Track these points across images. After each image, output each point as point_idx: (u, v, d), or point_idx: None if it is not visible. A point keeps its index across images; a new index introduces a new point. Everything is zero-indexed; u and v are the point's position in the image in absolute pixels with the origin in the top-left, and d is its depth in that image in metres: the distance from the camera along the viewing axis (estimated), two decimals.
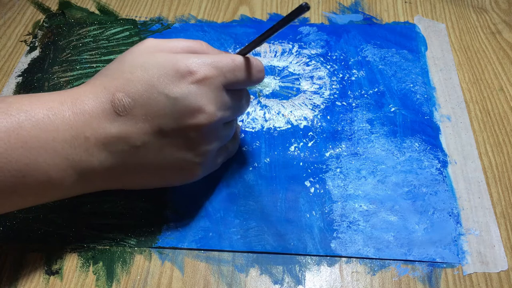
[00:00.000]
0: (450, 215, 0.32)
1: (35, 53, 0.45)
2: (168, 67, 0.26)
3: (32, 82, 0.43)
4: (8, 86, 0.42)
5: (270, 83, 0.41)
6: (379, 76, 0.41)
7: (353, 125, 0.37)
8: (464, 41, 0.44)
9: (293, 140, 0.36)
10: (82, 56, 0.44)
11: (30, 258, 0.31)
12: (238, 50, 0.29)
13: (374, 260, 0.30)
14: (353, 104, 0.39)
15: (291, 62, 0.43)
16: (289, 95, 0.40)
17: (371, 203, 0.32)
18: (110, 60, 0.44)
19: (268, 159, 0.35)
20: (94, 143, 0.26)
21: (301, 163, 0.35)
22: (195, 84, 0.26)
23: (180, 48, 0.28)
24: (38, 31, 0.48)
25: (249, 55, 0.29)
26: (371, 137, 0.36)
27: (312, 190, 0.33)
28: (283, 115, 0.38)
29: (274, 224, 0.32)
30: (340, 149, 0.36)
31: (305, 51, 0.43)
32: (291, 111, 0.39)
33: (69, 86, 0.42)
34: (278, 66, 0.42)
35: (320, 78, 0.41)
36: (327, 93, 0.40)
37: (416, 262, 0.30)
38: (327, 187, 0.33)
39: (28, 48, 0.46)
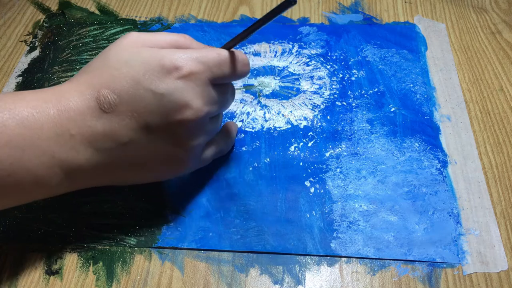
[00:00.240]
0: (450, 215, 0.32)
1: (35, 53, 0.45)
2: (154, 63, 0.25)
3: (32, 82, 0.43)
4: (8, 86, 0.42)
5: (270, 83, 0.41)
6: (379, 76, 0.41)
7: (353, 125, 0.37)
8: (464, 41, 0.44)
9: (293, 140, 0.36)
10: (82, 56, 0.44)
11: (30, 258, 0.31)
12: (223, 44, 0.29)
13: (374, 260, 0.30)
14: (353, 104, 0.39)
15: (291, 62, 0.43)
16: (289, 95, 0.40)
17: (371, 203, 0.32)
18: None
19: (268, 159, 0.35)
20: (80, 140, 0.26)
21: (301, 163, 0.35)
22: (181, 80, 0.26)
23: (164, 42, 0.28)
24: (38, 31, 0.48)
25: (234, 49, 0.29)
26: (371, 137, 0.36)
27: (312, 190, 0.33)
28: (283, 115, 0.38)
29: (274, 224, 0.32)
30: (340, 149, 0.36)
31: (305, 51, 0.43)
32: (291, 111, 0.39)
33: None
34: (278, 66, 0.42)
35: (320, 78, 0.41)
36: (327, 93, 0.40)
37: (416, 262, 0.30)
38: (327, 187, 0.33)
39: (28, 48, 0.46)
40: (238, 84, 0.41)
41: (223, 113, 0.39)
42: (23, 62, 0.45)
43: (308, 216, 0.32)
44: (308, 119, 0.38)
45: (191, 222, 0.32)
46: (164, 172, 0.30)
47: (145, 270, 0.30)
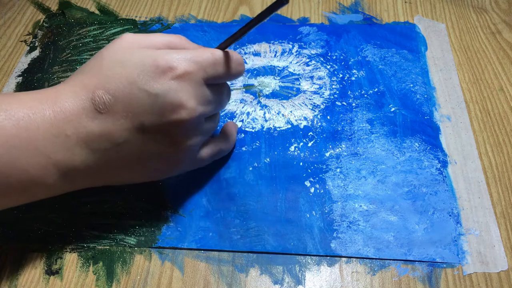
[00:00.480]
0: (450, 215, 0.32)
1: (35, 53, 0.45)
2: (148, 63, 0.26)
3: (32, 82, 0.43)
4: (8, 86, 0.42)
5: (270, 83, 0.41)
6: (379, 76, 0.41)
7: (353, 125, 0.37)
8: (464, 41, 0.44)
9: (293, 140, 0.36)
10: (82, 56, 0.44)
11: (30, 258, 0.31)
12: (218, 44, 0.29)
13: (374, 260, 0.30)
14: (353, 104, 0.39)
15: (291, 62, 0.43)
16: (289, 95, 0.40)
17: (371, 203, 0.32)
18: None
19: (268, 159, 0.35)
20: (76, 141, 0.26)
21: (301, 163, 0.35)
22: (175, 80, 0.26)
23: (159, 43, 0.28)
24: (38, 31, 0.48)
25: (229, 49, 0.29)
26: (371, 137, 0.36)
27: (312, 190, 0.33)
28: (283, 115, 0.38)
29: (274, 224, 0.32)
30: (340, 149, 0.36)
31: (305, 51, 0.43)
32: (291, 111, 0.39)
33: None
34: (278, 66, 0.42)
35: (320, 78, 0.41)
36: (327, 93, 0.40)
37: (416, 262, 0.30)
38: (327, 187, 0.33)
39: (28, 48, 0.46)
40: (238, 84, 0.41)
41: (224, 113, 0.39)
42: (23, 62, 0.45)
43: (308, 216, 0.32)
44: (308, 119, 0.38)
45: (191, 222, 0.32)
46: (159, 172, 0.30)
47: (145, 270, 0.30)
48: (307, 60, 0.43)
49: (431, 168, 0.34)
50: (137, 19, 0.48)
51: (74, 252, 0.31)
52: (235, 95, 0.40)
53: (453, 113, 0.38)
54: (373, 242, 0.31)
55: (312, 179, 0.34)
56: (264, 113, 0.39)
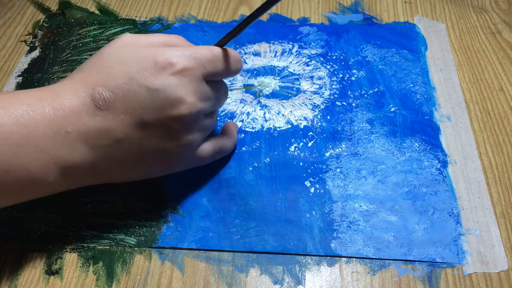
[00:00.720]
0: (450, 215, 0.32)
1: (35, 53, 0.45)
2: (148, 60, 0.26)
3: (32, 82, 0.43)
4: (8, 86, 0.42)
5: (270, 83, 0.41)
6: (379, 76, 0.41)
7: (353, 125, 0.37)
8: (464, 41, 0.44)
9: (293, 140, 0.36)
10: (82, 56, 0.44)
11: (30, 258, 0.31)
12: (217, 41, 0.30)
13: (374, 260, 0.30)
14: (353, 104, 0.39)
15: (291, 62, 0.43)
16: (289, 95, 0.40)
17: (371, 203, 0.32)
18: None
19: (268, 159, 0.35)
20: (76, 137, 0.26)
21: (301, 163, 0.35)
22: (175, 76, 0.26)
23: (157, 42, 0.28)
24: (38, 31, 0.48)
25: (226, 47, 0.29)
26: (371, 137, 0.36)
27: (312, 190, 0.33)
28: (283, 115, 0.38)
29: (274, 224, 0.32)
30: (340, 149, 0.36)
31: (305, 51, 0.43)
32: (291, 111, 0.39)
33: None
34: (278, 66, 0.42)
35: (320, 78, 0.41)
36: (327, 93, 0.40)
37: (416, 262, 0.30)
38: (327, 187, 0.33)
39: (28, 48, 0.46)
40: (238, 84, 0.41)
41: (224, 113, 0.39)
42: (23, 62, 0.45)
43: (308, 216, 0.32)
44: (308, 119, 0.38)
45: (191, 222, 0.32)
46: (159, 168, 0.30)
47: (145, 270, 0.30)
48: (307, 60, 0.43)
49: (431, 168, 0.34)
50: (137, 19, 0.48)
51: (74, 252, 0.31)
52: (235, 95, 0.40)
53: (453, 113, 0.38)
54: (373, 242, 0.31)
55: (312, 179, 0.34)
56: (264, 113, 0.39)
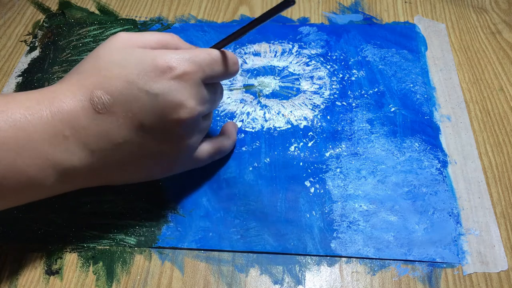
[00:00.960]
0: (450, 215, 0.32)
1: (35, 53, 0.45)
2: (147, 63, 0.26)
3: (32, 82, 0.43)
4: (8, 86, 0.42)
5: (270, 83, 0.41)
6: (379, 76, 0.41)
7: (353, 125, 0.37)
8: (464, 41, 0.44)
9: (293, 140, 0.36)
10: (82, 56, 0.44)
11: (30, 258, 0.31)
12: (214, 44, 0.30)
13: (374, 260, 0.30)
14: (353, 104, 0.39)
15: (291, 62, 0.43)
16: (289, 95, 0.40)
17: (371, 203, 0.32)
18: None
19: (268, 159, 0.35)
20: (74, 141, 0.26)
21: (301, 163, 0.35)
22: (175, 80, 0.26)
23: (153, 41, 0.28)
24: (38, 31, 0.48)
25: (224, 49, 0.29)
26: (371, 137, 0.36)
27: (312, 190, 0.33)
28: (283, 115, 0.38)
29: (274, 224, 0.32)
30: (340, 149, 0.36)
31: (305, 51, 0.43)
32: (291, 111, 0.39)
33: None
34: (278, 66, 0.42)
35: (320, 78, 0.41)
36: (327, 93, 0.40)
37: (416, 262, 0.30)
38: (327, 187, 0.33)
39: (28, 48, 0.46)
40: (238, 84, 0.41)
41: (224, 113, 0.39)
42: (23, 62, 0.45)
43: (308, 216, 0.32)
44: (308, 119, 0.38)
45: (191, 222, 0.32)
46: (158, 171, 0.31)
47: (145, 270, 0.30)
48: (307, 60, 0.43)
49: (431, 168, 0.34)
50: (137, 19, 0.48)
51: (74, 252, 0.31)
52: (235, 95, 0.40)
53: (453, 113, 0.38)
54: (373, 242, 0.31)
55: (312, 179, 0.34)
56: (264, 113, 0.39)
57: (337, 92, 0.40)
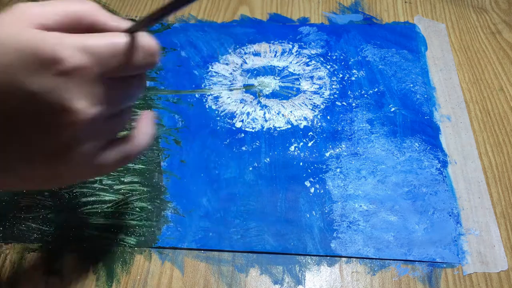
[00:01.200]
0: (450, 215, 0.32)
1: None
2: (29, 52, 0.19)
3: None
4: None
5: (270, 83, 0.41)
6: (379, 76, 0.41)
7: (353, 125, 0.37)
8: (464, 41, 0.44)
9: (293, 140, 0.36)
10: None
11: (30, 258, 0.31)
12: (130, 25, 0.24)
13: (374, 260, 0.30)
14: (353, 104, 0.39)
15: (291, 62, 0.43)
16: (289, 95, 0.40)
17: (371, 203, 0.32)
18: None
19: (268, 159, 0.35)
20: None
21: (301, 163, 0.35)
22: (61, 76, 0.20)
23: (58, 16, 0.22)
24: None
25: (141, 33, 0.22)
26: (371, 137, 0.36)
27: (312, 190, 0.33)
28: (283, 115, 0.38)
29: (274, 224, 0.32)
30: (340, 149, 0.36)
31: (305, 51, 0.43)
32: (291, 111, 0.39)
33: None
34: (278, 66, 0.42)
35: (320, 78, 0.41)
36: (327, 93, 0.40)
37: (416, 262, 0.30)
38: (327, 187, 0.33)
39: None
40: (238, 84, 0.41)
41: (224, 113, 0.39)
42: None
43: (308, 216, 0.32)
44: (308, 119, 0.38)
45: (191, 222, 0.32)
46: (45, 182, 0.24)
47: (145, 270, 0.30)
48: (307, 60, 0.43)
49: (431, 168, 0.34)
50: (137, 19, 0.48)
51: (74, 252, 0.31)
52: (235, 95, 0.40)
53: (453, 113, 0.38)
54: (373, 242, 0.31)
55: (312, 179, 0.34)
56: (264, 113, 0.39)
57: (337, 92, 0.40)
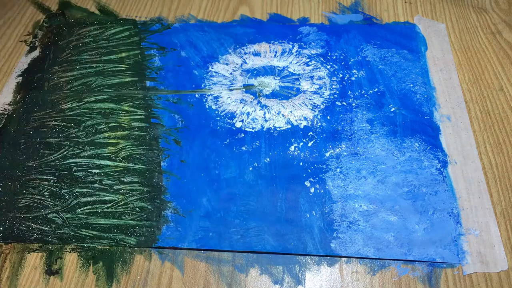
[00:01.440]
0: (450, 215, 0.32)
1: (35, 53, 0.45)
2: None
3: (32, 82, 0.43)
4: (8, 86, 0.42)
5: (270, 83, 0.41)
6: (379, 76, 0.41)
7: (353, 125, 0.37)
8: (464, 41, 0.44)
9: (293, 140, 0.36)
10: (82, 56, 0.44)
11: (30, 258, 0.31)
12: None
13: (374, 260, 0.30)
14: (353, 104, 0.39)
15: (291, 62, 0.43)
16: (289, 95, 0.40)
17: (371, 203, 0.32)
18: (110, 60, 0.44)
19: (268, 159, 0.35)
20: None
21: (301, 163, 0.35)
22: None
23: None
24: (38, 31, 0.48)
25: None
26: (371, 137, 0.36)
27: (312, 190, 0.33)
28: (283, 115, 0.38)
29: (274, 224, 0.32)
30: (340, 149, 0.36)
31: (305, 51, 0.43)
32: (291, 111, 0.39)
33: (69, 86, 0.42)
34: (278, 66, 0.42)
35: (320, 78, 0.41)
36: (327, 93, 0.40)
37: (416, 262, 0.30)
38: (327, 187, 0.33)
39: (28, 48, 0.46)
40: (238, 84, 0.41)
41: (224, 113, 0.39)
42: (23, 62, 0.45)
43: (308, 216, 0.32)
44: (308, 119, 0.38)
45: (191, 222, 0.32)
46: None
47: (145, 270, 0.30)
48: (307, 60, 0.43)
49: (431, 168, 0.34)
50: (137, 19, 0.48)
51: (74, 252, 0.31)
52: (235, 95, 0.40)
53: (453, 113, 0.38)
54: (373, 242, 0.31)
55: (312, 179, 0.34)
56: (264, 113, 0.39)
57: (337, 92, 0.40)
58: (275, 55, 0.43)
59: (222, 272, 0.30)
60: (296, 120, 0.38)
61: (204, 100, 0.40)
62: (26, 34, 0.48)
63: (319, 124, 0.38)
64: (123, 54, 0.44)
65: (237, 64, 0.43)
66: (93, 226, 0.32)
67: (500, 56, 0.42)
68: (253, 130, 0.37)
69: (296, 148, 0.36)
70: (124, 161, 0.36)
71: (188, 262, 0.30)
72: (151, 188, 0.34)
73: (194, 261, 0.30)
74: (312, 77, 0.41)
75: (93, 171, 0.35)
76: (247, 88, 0.41)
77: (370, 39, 0.44)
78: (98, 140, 0.37)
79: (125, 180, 0.35)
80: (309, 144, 0.36)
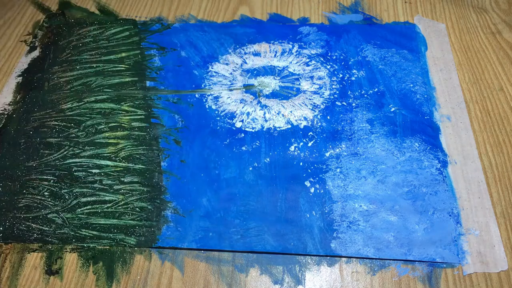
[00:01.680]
0: (450, 215, 0.32)
1: (35, 53, 0.45)
2: None
3: (32, 82, 0.43)
4: (8, 86, 0.42)
5: (270, 83, 0.41)
6: (379, 76, 0.41)
7: (353, 125, 0.37)
8: (464, 41, 0.44)
9: (293, 140, 0.36)
10: (82, 56, 0.44)
11: (30, 258, 0.31)
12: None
13: (374, 260, 0.30)
14: (353, 104, 0.39)
15: (291, 62, 0.43)
16: (289, 95, 0.40)
17: (371, 203, 0.32)
18: (110, 60, 0.44)
19: (268, 159, 0.35)
20: None
21: (301, 163, 0.35)
22: None
23: None
24: (38, 31, 0.48)
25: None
26: (371, 137, 0.36)
27: (312, 190, 0.33)
28: (283, 115, 0.38)
29: (274, 224, 0.32)
30: (340, 149, 0.36)
31: (305, 51, 0.43)
32: (291, 111, 0.39)
33: (69, 86, 0.42)
34: (278, 66, 0.42)
35: (320, 78, 0.41)
36: (327, 93, 0.40)
37: (416, 262, 0.30)
38: (327, 187, 0.33)
39: (28, 48, 0.46)
40: (238, 84, 0.41)
41: (224, 113, 0.39)
42: (23, 62, 0.45)
43: (308, 216, 0.32)
44: (308, 119, 0.38)
45: (191, 222, 0.32)
46: None
47: (145, 270, 0.30)
48: (307, 60, 0.43)
49: (431, 168, 0.34)
50: (137, 19, 0.48)
51: (74, 252, 0.31)
52: (235, 95, 0.40)
53: (453, 113, 0.38)
54: (373, 242, 0.31)
55: (312, 179, 0.34)
56: (264, 113, 0.39)
57: (337, 92, 0.40)
58: (275, 55, 0.43)
59: (222, 272, 0.30)
60: (296, 120, 0.38)
61: (204, 100, 0.40)
62: (26, 34, 0.48)
63: (319, 124, 0.38)
64: (123, 54, 0.44)
65: (237, 64, 0.43)
66: (93, 226, 0.32)
67: (500, 56, 0.42)
68: (253, 130, 0.37)
69: (296, 148, 0.36)
70: (124, 161, 0.36)
71: (188, 262, 0.30)
72: (151, 188, 0.34)
73: (194, 261, 0.30)
74: (312, 77, 0.41)
75: (93, 171, 0.35)
76: (247, 88, 0.41)
77: (370, 39, 0.44)
78: (98, 140, 0.37)
79: (125, 180, 0.35)
80: (309, 144, 0.36)
